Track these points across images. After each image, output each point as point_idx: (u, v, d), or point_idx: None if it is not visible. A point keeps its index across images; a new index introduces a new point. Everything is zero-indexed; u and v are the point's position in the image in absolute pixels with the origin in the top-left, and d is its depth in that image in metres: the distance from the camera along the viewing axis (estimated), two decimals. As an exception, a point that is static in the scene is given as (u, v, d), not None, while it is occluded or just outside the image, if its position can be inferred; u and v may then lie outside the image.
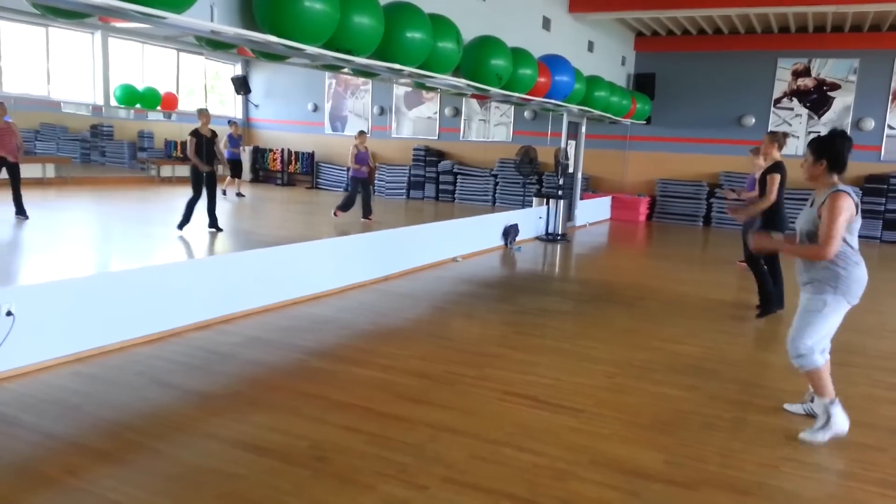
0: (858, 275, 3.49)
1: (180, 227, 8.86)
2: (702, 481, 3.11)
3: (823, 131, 13.38)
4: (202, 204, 9.02)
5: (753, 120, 14.12)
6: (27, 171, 13.90)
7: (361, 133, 11.23)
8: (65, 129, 17.07)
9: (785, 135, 6.31)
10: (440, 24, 6.81)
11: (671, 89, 14.63)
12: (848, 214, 3.41)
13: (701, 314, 6.41)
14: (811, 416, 3.81)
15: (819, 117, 13.68)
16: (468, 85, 8.00)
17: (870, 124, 13.25)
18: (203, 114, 9.04)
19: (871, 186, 12.96)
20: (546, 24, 10.33)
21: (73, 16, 4.93)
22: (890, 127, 13.21)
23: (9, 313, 3.98)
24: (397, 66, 6.51)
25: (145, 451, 3.19)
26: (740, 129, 14.18)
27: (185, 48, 16.71)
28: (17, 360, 4.05)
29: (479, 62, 7.69)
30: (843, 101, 13.50)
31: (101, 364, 4.31)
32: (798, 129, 13.83)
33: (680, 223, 14.55)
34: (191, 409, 3.71)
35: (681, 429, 3.69)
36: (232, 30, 5.08)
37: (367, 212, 11.00)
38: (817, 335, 3.55)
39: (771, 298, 6.21)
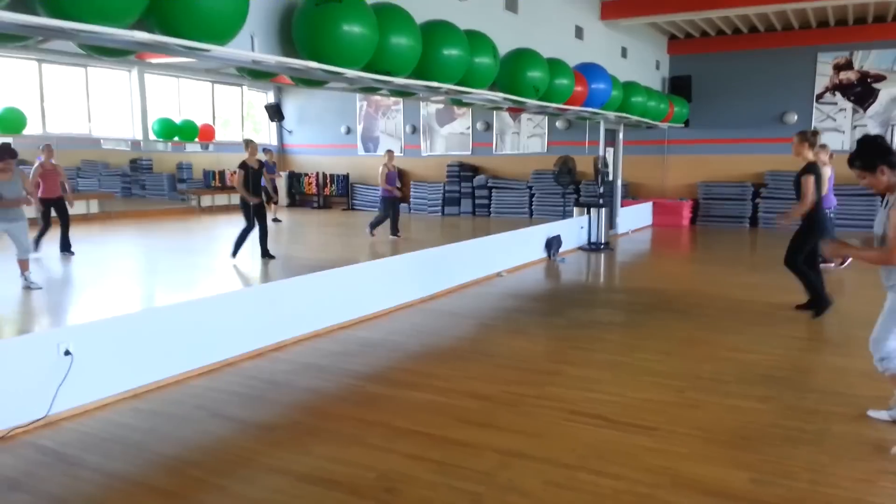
0: None
1: (233, 255, 9.01)
2: (795, 500, 2.92)
3: (870, 124, 12.98)
4: (254, 234, 9.04)
5: (796, 117, 13.74)
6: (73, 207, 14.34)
7: (389, 152, 11.52)
8: (105, 165, 17.46)
9: (815, 132, 6.27)
10: (476, 40, 6.74)
11: (708, 90, 14.34)
12: None
13: (764, 320, 6.16)
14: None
15: (864, 110, 13.26)
16: (505, 98, 7.91)
17: (919, 114, 12.80)
18: (250, 145, 9.06)
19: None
20: (578, 32, 10.20)
21: (117, 53, 4.95)
22: (940, 116, 12.76)
23: (67, 352, 3.98)
24: (435, 84, 6.45)
25: (210, 488, 3.12)
26: (782, 126, 13.79)
27: (222, 80, 16.97)
28: (77, 399, 4.03)
29: (516, 75, 7.59)
30: (888, 92, 13.05)
31: (160, 399, 4.28)
32: (843, 123, 13.42)
33: (725, 226, 14.18)
34: (252, 442, 3.64)
35: (762, 444, 3.50)
36: (273, 58, 5.06)
37: (395, 230, 11.39)
38: None
39: (821, 295, 6.01)
